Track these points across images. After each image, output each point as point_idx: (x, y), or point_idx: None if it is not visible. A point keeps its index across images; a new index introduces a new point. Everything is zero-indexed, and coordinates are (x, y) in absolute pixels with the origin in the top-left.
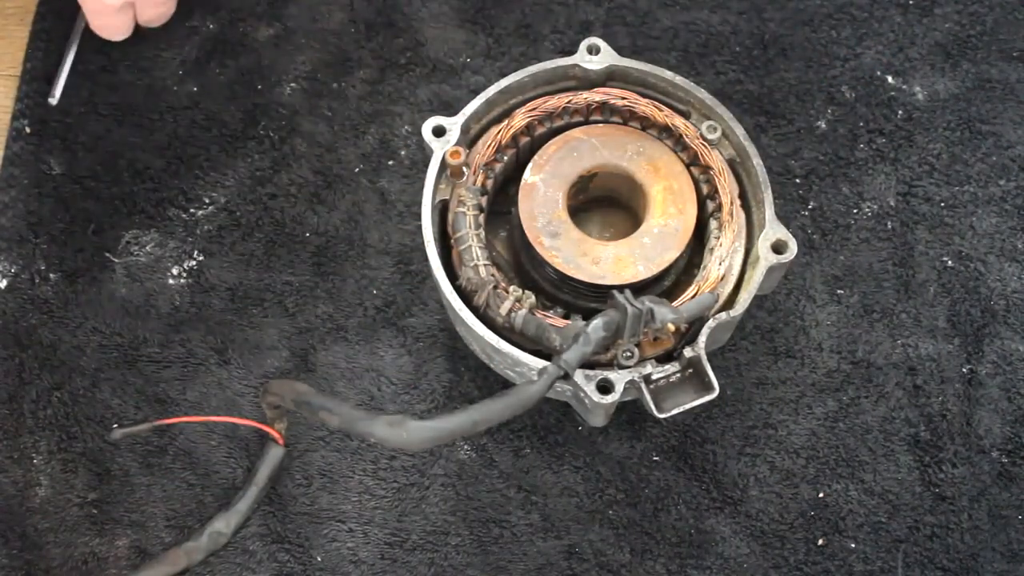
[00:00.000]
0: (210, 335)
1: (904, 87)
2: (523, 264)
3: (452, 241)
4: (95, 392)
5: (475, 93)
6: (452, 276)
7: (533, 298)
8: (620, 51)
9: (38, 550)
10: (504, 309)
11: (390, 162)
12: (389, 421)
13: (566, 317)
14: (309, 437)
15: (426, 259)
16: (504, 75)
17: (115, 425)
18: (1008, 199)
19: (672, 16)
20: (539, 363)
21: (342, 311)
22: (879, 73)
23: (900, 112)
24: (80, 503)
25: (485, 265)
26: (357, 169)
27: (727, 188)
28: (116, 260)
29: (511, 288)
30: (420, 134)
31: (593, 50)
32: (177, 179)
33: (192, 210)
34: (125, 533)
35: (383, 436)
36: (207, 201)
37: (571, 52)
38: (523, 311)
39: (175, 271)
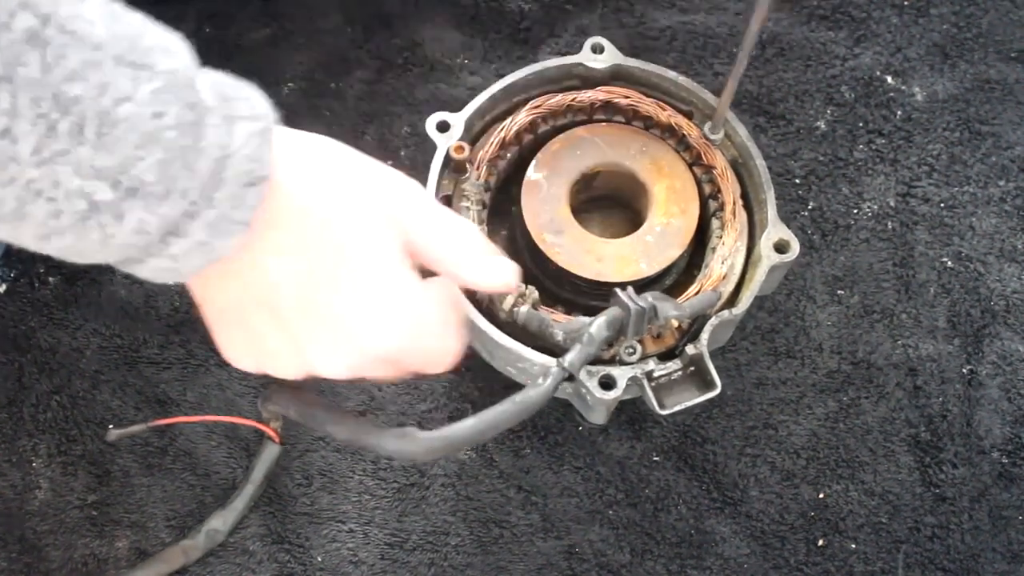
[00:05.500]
0: (210, 336)
1: (903, 87)
2: (525, 262)
3: None
4: (95, 394)
5: (474, 92)
6: None
7: (536, 294)
8: None
9: (37, 552)
10: (507, 304)
11: (389, 162)
12: (397, 434)
13: (568, 314)
14: (309, 437)
15: None
16: (501, 76)
17: (110, 427)
18: (1008, 200)
19: (669, 18)
20: (541, 358)
21: None
22: (878, 73)
23: (899, 113)
24: (80, 505)
25: None
26: None
27: (729, 188)
28: None
29: None
30: (419, 134)
31: (597, 49)
32: None
33: None
34: (125, 534)
35: (392, 449)
36: None
37: (568, 54)
38: (526, 307)
39: None
